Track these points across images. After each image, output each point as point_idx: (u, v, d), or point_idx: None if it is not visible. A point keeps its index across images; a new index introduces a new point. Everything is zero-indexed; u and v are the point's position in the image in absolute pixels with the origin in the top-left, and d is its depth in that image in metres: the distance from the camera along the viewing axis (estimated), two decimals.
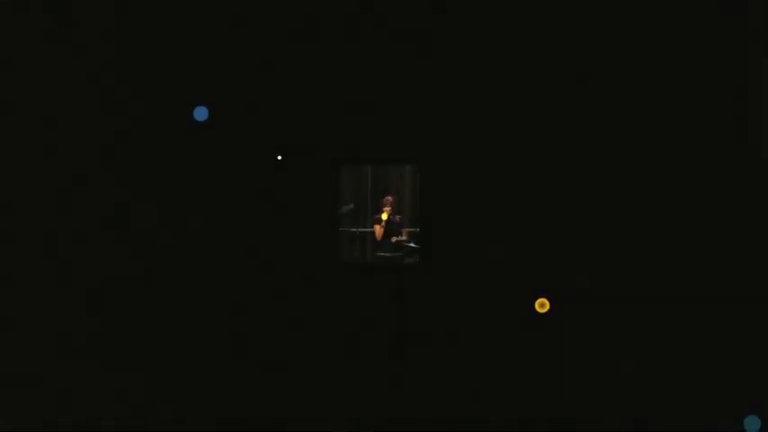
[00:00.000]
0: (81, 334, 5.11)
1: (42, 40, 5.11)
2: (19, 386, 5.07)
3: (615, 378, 5.03)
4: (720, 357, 4.99)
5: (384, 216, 5.51)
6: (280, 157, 5.22)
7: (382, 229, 5.47)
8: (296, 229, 5.38)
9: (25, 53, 5.10)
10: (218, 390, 5.22)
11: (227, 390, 5.23)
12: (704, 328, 5.02)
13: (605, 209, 5.24)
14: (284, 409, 5.23)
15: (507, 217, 5.35)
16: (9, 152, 5.10)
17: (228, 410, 5.23)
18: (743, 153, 5.03)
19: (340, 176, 5.47)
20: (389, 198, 5.58)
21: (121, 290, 5.19)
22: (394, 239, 5.51)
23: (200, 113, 5.07)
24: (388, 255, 5.52)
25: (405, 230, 5.56)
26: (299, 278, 5.37)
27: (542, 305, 5.11)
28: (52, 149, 5.12)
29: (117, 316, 5.18)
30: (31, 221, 5.11)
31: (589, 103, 5.22)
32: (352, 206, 5.53)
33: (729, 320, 5.03)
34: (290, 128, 5.35)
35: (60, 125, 5.10)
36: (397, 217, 5.59)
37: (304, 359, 5.27)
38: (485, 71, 5.31)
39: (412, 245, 5.50)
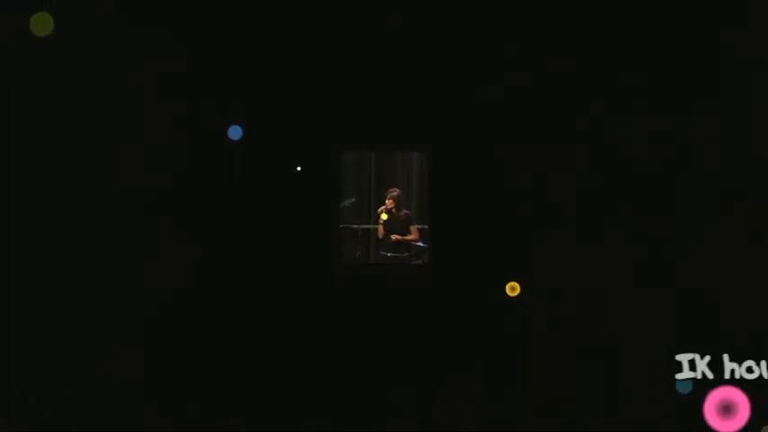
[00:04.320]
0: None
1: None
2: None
3: None
4: None
5: (384, 217, 5.36)
6: (299, 168, 5.18)
7: (383, 228, 5.39)
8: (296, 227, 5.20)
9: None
10: (216, 390, 5.13)
11: (224, 390, 5.13)
12: None
13: (618, 205, 5.13)
14: (283, 410, 5.11)
15: (519, 214, 5.15)
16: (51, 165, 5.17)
17: (227, 411, 5.12)
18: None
19: (341, 166, 5.26)
20: (394, 191, 5.38)
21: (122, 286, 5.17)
22: (394, 237, 5.36)
23: (235, 132, 5.18)
24: (391, 254, 5.36)
25: (414, 227, 5.34)
26: (297, 279, 5.18)
27: (513, 289, 5.09)
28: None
29: (119, 314, 5.15)
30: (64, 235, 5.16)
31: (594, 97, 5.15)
32: (353, 200, 5.38)
33: None
34: (289, 121, 5.21)
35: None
36: (403, 212, 5.37)
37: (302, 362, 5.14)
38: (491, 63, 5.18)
39: (420, 244, 5.30)
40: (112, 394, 5.09)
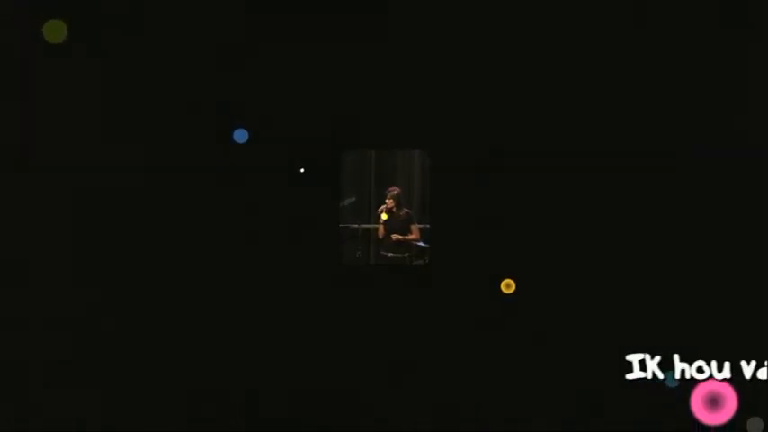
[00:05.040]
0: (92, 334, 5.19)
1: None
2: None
3: None
4: None
5: (384, 216, 5.32)
6: (302, 170, 5.20)
7: (383, 227, 5.34)
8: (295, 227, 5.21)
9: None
10: (215, 389, 5.15)
11: (224, 389, 5.15)
12: None
13: (621, 204, 5.15)
14: (283, 410, 5.14)
15: (523, 213, 5.17)
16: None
17: (227, 411, 5.15)
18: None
19: (341, 165, 5.21)
20: (394, 190, 5.33)
21: (125, 287, 5.20)
22: (394, 237, 5.32)
23: (240, 135, 5.21)
24: (391, 254, 5.30)
25: (415, 226, 5.29)
26: (296, 279, 5.19)
27: (508, 286, 5.12)
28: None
29: (121, 314, 5.19)
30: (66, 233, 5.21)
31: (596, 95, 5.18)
32: (353, 199, 5.26)
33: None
34: (290, 117, 5.22)
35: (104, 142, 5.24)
36: (404, 211, 5.31)
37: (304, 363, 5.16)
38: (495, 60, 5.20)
39: (421, 244, 5.24)
40: (112, 394, 5.08)
